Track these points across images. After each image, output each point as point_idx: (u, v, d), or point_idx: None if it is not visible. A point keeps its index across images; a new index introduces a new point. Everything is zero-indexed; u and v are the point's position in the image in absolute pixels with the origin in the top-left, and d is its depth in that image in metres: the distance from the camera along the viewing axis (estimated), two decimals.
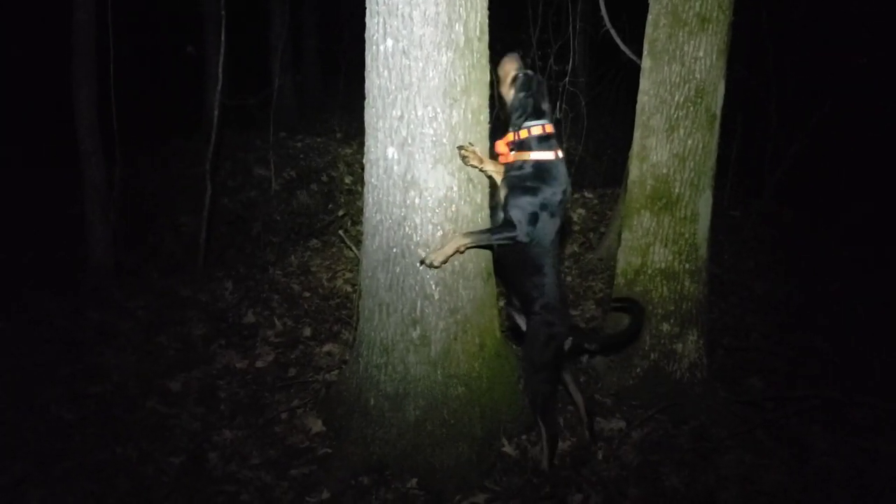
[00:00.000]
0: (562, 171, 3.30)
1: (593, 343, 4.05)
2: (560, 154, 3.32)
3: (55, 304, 5.33)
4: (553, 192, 3.26)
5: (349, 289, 5.45)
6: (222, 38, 6.08)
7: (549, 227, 3.28)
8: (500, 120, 6.13)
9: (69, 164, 6.35)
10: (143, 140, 8.69)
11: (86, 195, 6.18)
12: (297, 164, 8.62)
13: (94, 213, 6.17)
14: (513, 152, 3.34)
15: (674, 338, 4.02)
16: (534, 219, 3.24)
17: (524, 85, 3.34)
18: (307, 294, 5.47)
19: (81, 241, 6.32)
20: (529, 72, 3.42)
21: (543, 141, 3.28)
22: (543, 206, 3.24)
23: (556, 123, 6.49)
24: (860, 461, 3.65)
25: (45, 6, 8.92)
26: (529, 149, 3.28)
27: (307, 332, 4.89)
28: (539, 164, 3.26)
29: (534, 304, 3.41)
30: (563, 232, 3.41)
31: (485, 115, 3.53)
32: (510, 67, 3.41)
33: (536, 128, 3.28)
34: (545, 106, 3.33)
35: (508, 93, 3.40)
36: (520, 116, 3.30)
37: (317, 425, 3.83)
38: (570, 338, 3.50)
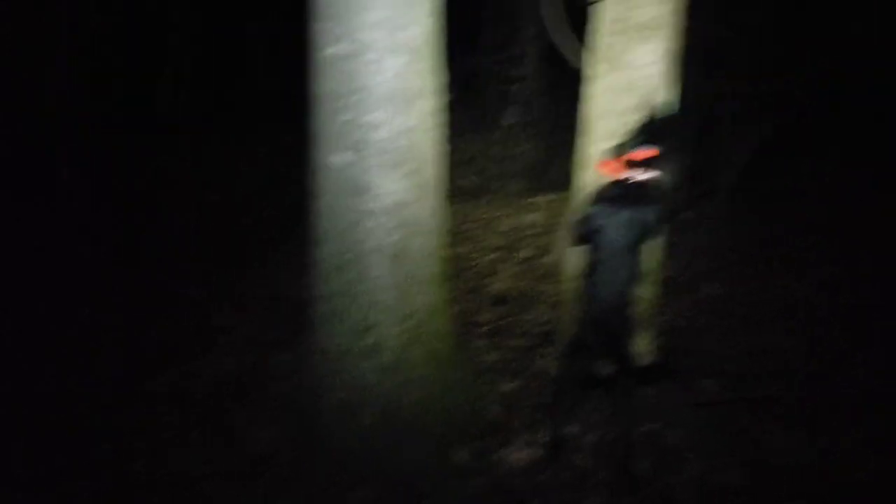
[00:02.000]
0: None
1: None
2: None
3: (46, 299, 5.34)
4: None
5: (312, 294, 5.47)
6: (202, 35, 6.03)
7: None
8: (457, 124, 6.14)
9: (63, 161, 6.31)
10: (134, 136, 8.60)
11: (76, 192, 6.17)
12: (289, 160, 8.62)
13: (84, 210, 6.16)
14: None
15: None
16: None
17: None
18: (276, 298, 5.50)
19: (73, 237, 6.30)
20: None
21: None
22: None
23: (509, 129, 6.57)
24: (818, 460, 3.68)
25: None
26: None
27: (268, 336, 4.87)
28: None
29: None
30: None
31: (438, 120, 3.52)
32: None
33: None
34: None
35: None
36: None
37: (272, 434, 3.79)
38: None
